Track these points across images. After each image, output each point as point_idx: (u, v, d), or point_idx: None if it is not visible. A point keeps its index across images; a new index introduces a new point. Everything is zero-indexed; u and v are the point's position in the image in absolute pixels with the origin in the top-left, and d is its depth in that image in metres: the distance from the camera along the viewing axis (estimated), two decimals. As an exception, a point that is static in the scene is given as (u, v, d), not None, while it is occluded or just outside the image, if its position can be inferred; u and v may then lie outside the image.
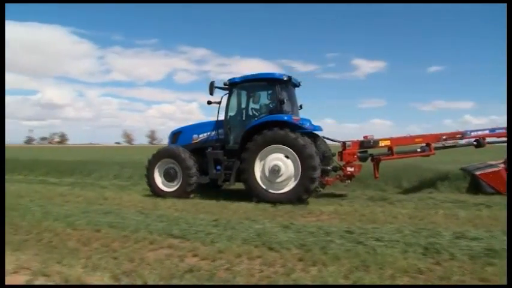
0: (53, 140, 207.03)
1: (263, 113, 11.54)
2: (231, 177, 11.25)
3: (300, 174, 10.25)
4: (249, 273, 4.83)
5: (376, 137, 11.72)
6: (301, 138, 10.29)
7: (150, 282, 4.47)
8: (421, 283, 4.49)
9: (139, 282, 4.50)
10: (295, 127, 10.59)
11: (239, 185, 11.34)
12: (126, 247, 6.00)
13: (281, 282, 4.53)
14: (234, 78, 11.79)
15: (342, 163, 11.64)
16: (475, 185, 11.56)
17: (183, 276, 4.66)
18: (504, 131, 11.23)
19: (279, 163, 10.41)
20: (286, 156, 10.44)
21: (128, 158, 19.21)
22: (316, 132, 11.75)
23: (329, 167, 11.47)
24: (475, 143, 11.72)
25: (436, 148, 11.74)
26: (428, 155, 11.68)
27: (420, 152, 11.69)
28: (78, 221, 7.83)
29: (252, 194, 10.68)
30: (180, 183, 11.70)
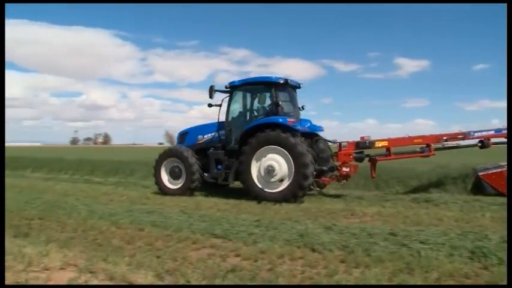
0: (97, 141, 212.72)
1: (261, 115, 12.04)
2: (229, 177, 11.86)
3: (293, 172, 10.65)
4: (291, 274, 4.80)
5: (373, 138, 11.98)
6: (292, 137, 10.70)
7: (193, 282, 4.50)
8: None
9: (182, 281, 4.54)
10: (289, 129, 10.95)
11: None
12: (169, 246, 6.07)
13: (324, 284, 4.48)
14: (234, 81, 12.40)
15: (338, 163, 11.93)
16: (478, 186, 11.50)
17: (226, 276, 4.67)
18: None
19: (273, 163, 10.86)
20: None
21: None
22: (317, 132, 12.41)
23: (325, 167, 11.70)
24: (479, 144, 11.80)
25: (437, 149, 11.98)
26: (428, 156, 11.81)
27: (420, 152, 11.84)
28: (122, 219, 8.00)
29: (249, 194, 11.14)
30: (184, 181, 12.33)
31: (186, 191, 12.17)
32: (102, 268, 4.94)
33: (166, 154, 12.84)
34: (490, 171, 11.49)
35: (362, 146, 11.89)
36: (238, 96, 12.55)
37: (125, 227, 7.39)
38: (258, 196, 10.89)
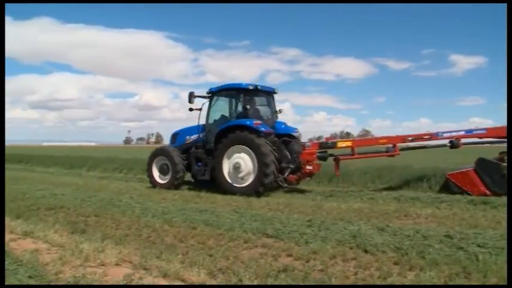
0: (150, 140, 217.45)
1: (233, 118, 13.42)
2: (205, 173, 13.43)
3: (256, 170, 11.95)
4: (344, 275, 4.76)
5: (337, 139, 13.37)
6: (257, 138, 11.99)
7: (245, 281, 4.53)
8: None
9: (234, 280, 4.59)
10: (255, 130, 12.19)
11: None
12: (221, 245, 6.14)
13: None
14: (212, 88, 13.99)
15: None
16: (446, 186, 12.15)
17: (278, 276, 4.68)
18: (485, 131, 12.00)
19: (240, 161, 12.28)
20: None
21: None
22: (292, 133, 13.64)
23: (293, 166, 12.77)
24: (449, 144, 12.52)
25: (404, 149, 12.89)
26: (393, 155, 12.70)
27: (385, 152, 12.79)
28: (175, 218, 8.15)
29: (221, 187, 12.59)
30: (170, 177, 14.06)
31: (172, 185, 13.85)
32: (156, 265, 5.07)
33: (157, 153, 14.66)
34: (456, 171, 12.22)
35: (325, 146, 13.02)
36: (216, 101, 14.01)
37: (178, 226, 7.53)
38: (227, 190, 12.34)
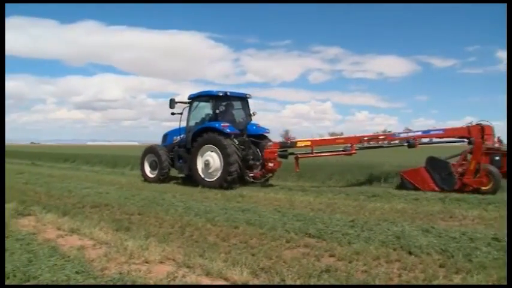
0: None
1: (206, 121, 15.35)
2: (185, 169, 15.42)
3: (222, 167, 13.77)
4: (388, 276, 4.73)
5: (296, 139, 14.96)
6: (224, 139, 13.76)
7: (288, 281, 4.55)
8: None
9: (277, 279, 4.61)
10: (223, 132, 13.93)
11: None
12: (263, 244, 6.18)
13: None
14: (191, 94, 15.93)
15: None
16: (401, 183, 13.21)
17: (320, 276, 4.67)
18: (441, 132, 13.17)
19: (210, 159, 14.16)
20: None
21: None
22: (264, 133, 15.36)
23: (257, 163, 14.77)
24: (406, 144, 13.50)
25: (361, 148, 14.30)
26: (350, 154, 13.91)
27: (342, 151, 14.07)
28: (217, 217, 8.25)
29: (195, 181, 14.52)
30: (157, 172, 16.11)
31: (158, 179, 15.87)
32: (199, 263, 5.15)
33: (148, 151, 16.81)
34: (408, 169, 13.47)
35: (285, 146, 14.62)
36: (194, 106, 16.00)
37: (220, 225, 7.61)
38: (200, 183, 14.27)
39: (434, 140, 14.24)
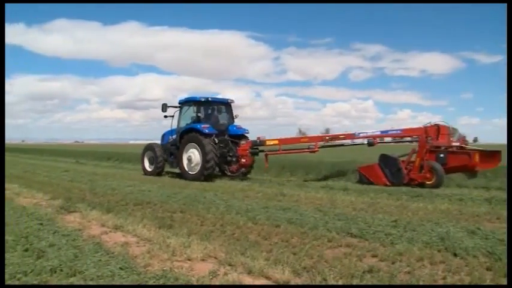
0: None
1: (191, 122, 17.76)
2: (174, 163, 18.13)
3: (201, 162, 16.25)
4: (432, 278, 4.65)
5: (266, 138, 16.71)
6: (204, 139, 16.20)
7: (330, 280, 4.54)
8: None
9: (318, 279, 4.61)
10: (203, 133, 16.40)
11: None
12: (305, 243, 6.17)
13: None
14: (180, 100, 18.75)
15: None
16: (359, 178, 14.85)
17: (363, 277, 4.65)
18: (399, 132, 14.65)
19: (192, 155, 16.78)
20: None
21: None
22: (244, 133, 17.77)
23: (234, 159, 17.11)
24: (366, 143, 14.99)
25: (324, 146, 15.88)
26: (314, 152, 15.61)
27: (306, 149, 15.85)
28: (259, 216, 8.29)
29: (181, 174, 17.26)
30: (154, 166, 18.90)
31: (154, 172, 18.64)
32: (241, 262, 5.20)
33: (147, 148, 19.64)
34: (364, 165, 15.19)
35: (255, 144, 16.74)
36: (183, 109, 18.60)
37: (261, 223, 7.66)
38: (184, 175, 16.91)
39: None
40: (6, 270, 4.72)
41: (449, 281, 4.59)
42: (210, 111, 18.28)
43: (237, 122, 18.35)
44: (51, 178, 16.89)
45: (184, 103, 18.43)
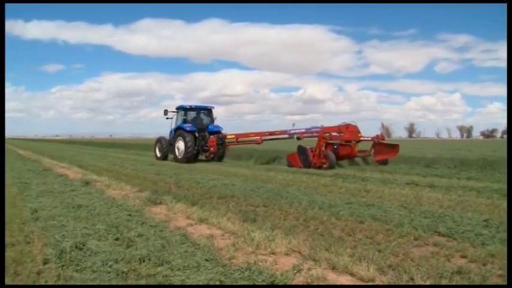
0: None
1: (180, 123, 25.13)
2: (172, 152, 25.15)
3: (183, 151, 23.74)
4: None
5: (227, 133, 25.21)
6: (186, 134, 23.85)
7: (417, 280, 4.48)
8: None
9: (405, 278, 4.56)
10: (186, 130, 24.17)
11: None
12: (390, 241, 6.13)
13: None
14: (177, 106, 26.43)
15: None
16: (287, 162, 20.33)
17: (452, 278, 4.54)
18: (319, 129, 19.82)
19: (179, 145, 24.25)
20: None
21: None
22: (219, 130, 25.68)
23: (207, 148, 24.96)
24: (296, 137, 21.46)
25: (265, 139, 23.21)
26: (259, 143, 23.62)
27: (254, 141, 23.62)
28: (342, 211, 8.29)
29: (175, 159, 24.62)
30: (160, 154, 26.77)
31: (161, 158, 26.32)
32: (325, 257, 5.24)
33: (158, 140, 27.49)
34: (290, 153, 20.62)
35: (219, 138, 24.44)
36: (178, 114, 26.11)
37: (345, 219, 7.66)
38: (175, 160, 24.51)
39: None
40: (98, 258, 5.09)
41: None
42: (195, 115, 26.24)
43: (216, 122, 26.16)
44: (138, 171, 17.80)
45: (178, 109, 26.10)
